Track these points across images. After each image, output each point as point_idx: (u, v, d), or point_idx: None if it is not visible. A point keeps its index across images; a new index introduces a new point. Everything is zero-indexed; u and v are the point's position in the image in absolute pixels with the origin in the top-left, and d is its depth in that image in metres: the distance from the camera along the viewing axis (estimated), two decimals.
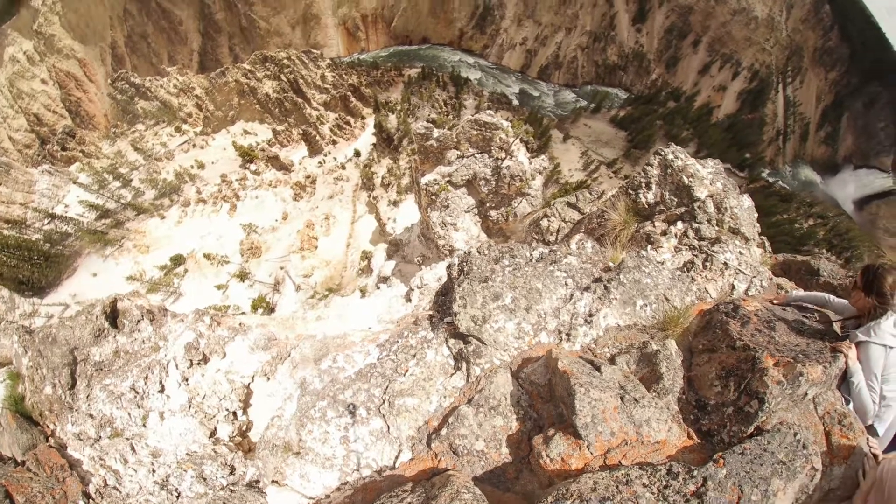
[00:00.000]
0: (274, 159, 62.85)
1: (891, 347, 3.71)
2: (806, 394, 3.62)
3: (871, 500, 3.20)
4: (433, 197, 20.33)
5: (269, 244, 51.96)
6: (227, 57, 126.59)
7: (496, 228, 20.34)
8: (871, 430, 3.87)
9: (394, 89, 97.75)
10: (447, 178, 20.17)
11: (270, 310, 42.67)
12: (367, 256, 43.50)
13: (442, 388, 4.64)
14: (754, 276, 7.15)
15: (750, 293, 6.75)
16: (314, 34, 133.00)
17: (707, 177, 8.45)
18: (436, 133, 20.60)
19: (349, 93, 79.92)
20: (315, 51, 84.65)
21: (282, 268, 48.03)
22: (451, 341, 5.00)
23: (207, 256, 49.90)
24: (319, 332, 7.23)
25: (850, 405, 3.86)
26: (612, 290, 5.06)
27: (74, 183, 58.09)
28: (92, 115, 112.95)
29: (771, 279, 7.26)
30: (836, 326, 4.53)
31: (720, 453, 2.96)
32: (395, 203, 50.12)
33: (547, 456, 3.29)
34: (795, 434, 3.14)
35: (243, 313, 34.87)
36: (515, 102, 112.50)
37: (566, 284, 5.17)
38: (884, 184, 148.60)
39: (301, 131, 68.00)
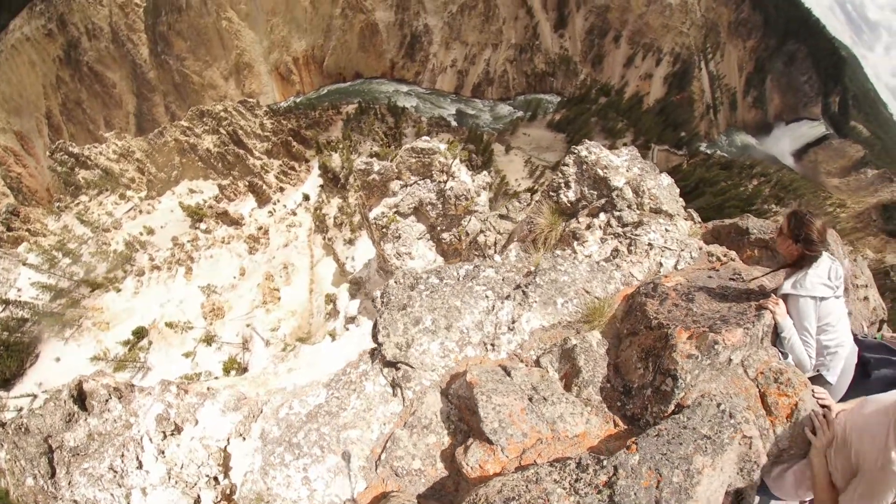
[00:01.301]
0: (223, 215, 61.54)
1: (823, 298, 3.61)
2: (730, 360, 3.55)
3: (833, 456, 3.06)
4: (384, 230, 20.34)
5: (231, 303, 50.51)
6: (164, 116, 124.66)
7: (451, 250, 20.44)
8: (820, 380, 3.81)
9: (334, 128, 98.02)
10: (394, 209, 20.23)
11: (243, 370, 41.25)
12: (331, 299, 42.82)
13: (382, 416, 4.69)
14: (682, 250, 7.35)
15: (679, 267, 6.92)
16: (248, 83, 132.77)
17: (622, 165, 8.75)
18: (376, 167, 20.71)
19: (290, 138, 79.62)
20: (251, 100, 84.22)
21: (248, 325, 46.66)
22: (386, 370, 5.00)
23: (170, 325, 48.03)
24: (290, 385, 7.17)
25: (789, 359, 3.77)
26: (530, 294, 5.11)
27: (24, 264, 55.14)
28: (34, 191, 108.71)
29: (701, 248, 7.43)
30: (766, 279, 4.50)
31: (633, 439, 2.91)
32: (351, 241, 49.92)
33: (467, 465, 3.27)
34: (719, 405, 3.08)
35: (216, 378, 33.68)
36: (454, 123, 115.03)
37: (487, 297, 5.19)
38: (817, 131, 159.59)
39: (247, 183, 66.99)
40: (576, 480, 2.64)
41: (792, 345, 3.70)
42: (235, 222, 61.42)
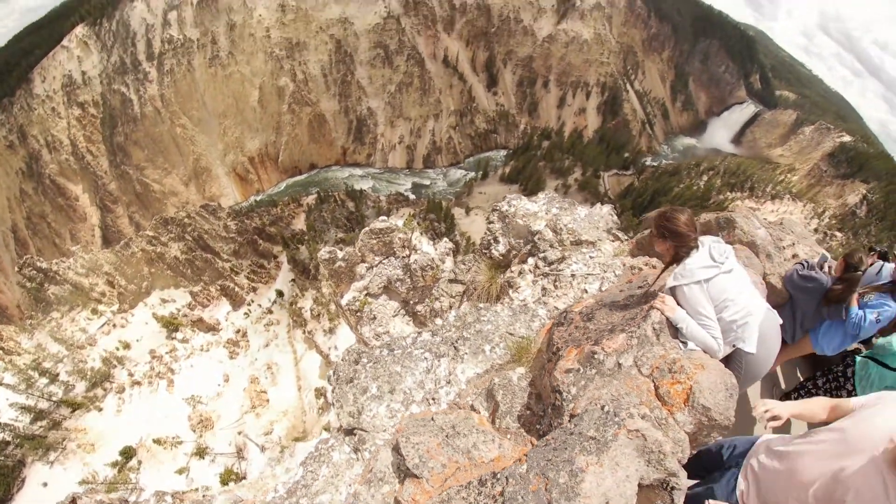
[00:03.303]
0: (199, 322, 60.87)
1: (706, 280, 3.72)
2: (619, 364, 3.78)
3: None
4: (358, 314, 20.71)
5: (219, 412, 49.13)
6: (129, 227, 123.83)
7: (428, 320, 20.93)
8: (740, 353, 3.90)
9: (297, 221, 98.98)
10: (365, 292, 20.70)
11: (241, 479, 39.80)
12: (321, 393, 42.49)
13: (348, 479, 5.15)
14: (605, 272, 8.15)
15: (604, 288, 7.69)
16: (208, 187, 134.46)
17: (541, 209, 9.75)
18: (340, 254, 21.54)
19: (256, 236, 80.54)
20: (212, 203, 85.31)
21: (239, 433, 45.28)
22: (347, 438, 5.52)
23: (158, 442, 46.23)
24: (289, 483, 7.52)
25: (690, 346, 3.85)
26: (460, 348, 5.84)
27: (1, 385, 53.01)
28: (4, 308, 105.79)
29: (624, 265, 8.09)
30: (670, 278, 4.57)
31: (524, 451, 3.50)
32: (331, 331, 50.21)
33: (404, 500, 3.64)
34: (603, 407, 3.35)
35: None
36: (412, 196, 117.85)
37: (425, 358, 5.90)
38: (747, 112, 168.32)
39: (218, 287, 66.89)
40: (479, 495, 3.20)
41: (691, 332, 3.79)
42: (212, 328, 60.73)
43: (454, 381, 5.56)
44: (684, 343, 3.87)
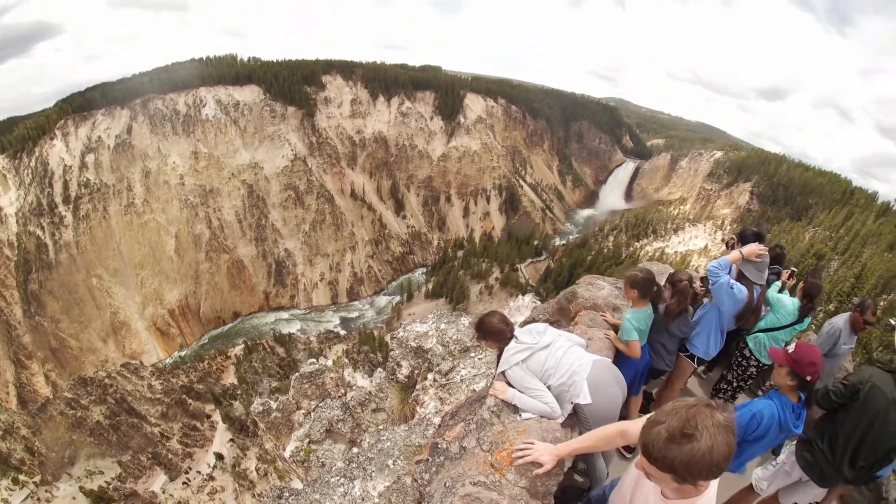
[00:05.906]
0: (133, 496, 53.42)
1: (524, 360, 4.18)
2: (464, 447, 4.13)
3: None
4: (305, 464, 20.25)
5: None
6: (45, 386, 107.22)
7: None
8: (580, 409, 4.13)
9: (226, 374, 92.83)
10: (307, 440, 20.37)
11: None
12: None
13: None
14: (490, 369, 9.91)
15: (486, 385, 9.45)
16: (128, 343, 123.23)
17: (430, 328, 11.69)
18: (274, 404, 21.61)
19: (184, 395, 74.67)
20: (133, 361, 78.57)
21: None
22: None
23: None
24: None
25: (525, 415, 4.17)
26: (367, 467, 7.31)
27: None
28: None
29: None
30: None
31: None
32: (283, 489, 46.66)
33: None
34: (446, 484, 3.83)
35: None
36: (342, 332, 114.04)
37: (341, 484, 7.27)
38: (629, 169, 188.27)
39: (150, 454, 60.12)
40: None
41: (524, 405, 4.16)
42: (149, 502, 53.74)
43: (367, 497, 6.92)
44: (519, 415, 4.22)
